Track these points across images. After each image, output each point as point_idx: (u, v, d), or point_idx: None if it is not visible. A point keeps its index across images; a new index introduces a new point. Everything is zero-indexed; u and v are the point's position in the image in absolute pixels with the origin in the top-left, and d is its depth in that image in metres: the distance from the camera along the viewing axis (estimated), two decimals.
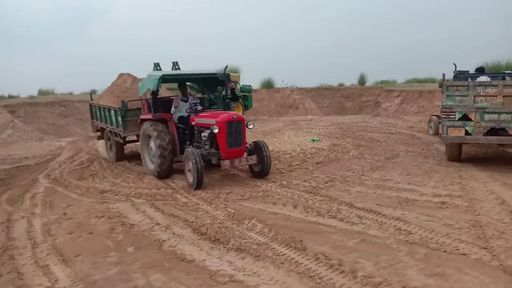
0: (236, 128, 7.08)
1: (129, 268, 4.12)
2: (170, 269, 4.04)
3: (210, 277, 3.79)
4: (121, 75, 11.27)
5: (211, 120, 7.15)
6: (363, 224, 4.97)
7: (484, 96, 7.61)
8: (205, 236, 4.82)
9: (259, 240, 4.59)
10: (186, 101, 8.34)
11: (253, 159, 7.32)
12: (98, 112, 10.80)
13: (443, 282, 3.53)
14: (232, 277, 3.74)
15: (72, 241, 4.96)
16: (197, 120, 7.71)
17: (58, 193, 7.35)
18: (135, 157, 10.12)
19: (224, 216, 5.53)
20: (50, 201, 6.82)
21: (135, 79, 10.81)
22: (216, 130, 6.89)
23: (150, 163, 8.30)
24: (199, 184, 6.80)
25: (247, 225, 5.14)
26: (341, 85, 25.66)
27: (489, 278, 3.54)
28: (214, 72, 8.49)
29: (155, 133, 7.64)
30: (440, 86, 8.00)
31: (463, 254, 4.02)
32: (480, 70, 10.39)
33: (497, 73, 11.04)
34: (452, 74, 10.44)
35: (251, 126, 7.60)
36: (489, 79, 9.13)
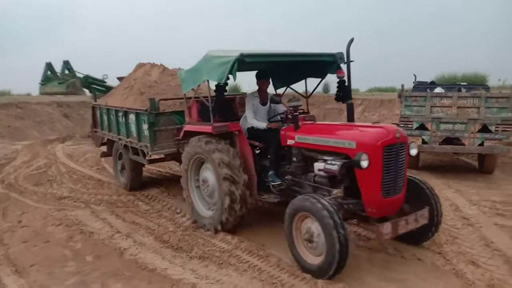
0: (398, 158, 3.88)
1: (88, 278, 4.00)
2: (130, 278, 3.96)
3: (172, 286, 3.74)
4: (140, 65, 8.26)
5: (346, 142, 3.95)
6: None
7: (440, 106, 7.97)
8: (168, 244, 4.76)
9: (223, 247, 4.58)
10: (264, 104, 5.43)
11: (425, 216, 4.05)
12: (106, 118, 7.70)
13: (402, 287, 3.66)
14: (195, 286, 3.71)
15: (27, 250, 4.75)
16: (299, 138, 4.52)
17: (13, 199, 7.01)
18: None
19: (188, 223, 5.47)
20: (3, 208, 6.50)
21: (164, 70, 7.89)
22: (365, 163, 3.67)
23: (205, 208, 5.29)
24: (338, 270, 3.58)
25: (212, 232, 5.06)
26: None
27: (442, 282, 3.69)
28: (327, 52, 4.99)
29: (218, 158, 4.67)
30: (399, 96, 8.28)
31: (418, 259, 4.17)
32: (432, 83, 10.94)
33: (453, 84, 11.60)
34: (412, 85, 10.87)
35: (414, 151, 4.10)
36: (443, 90, 9.57)
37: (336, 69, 5.02)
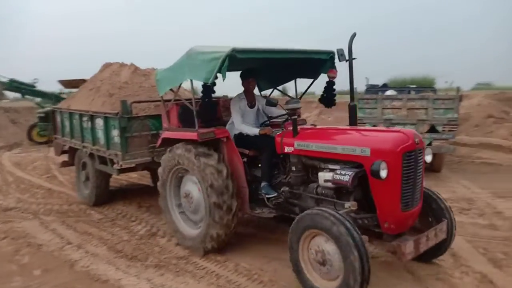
0: (417, 165, 3.44)
1: None
2: None
3: None
4: (107, 65, 7.42)
5: (358, 148, 3.47)
6: None
7: (391, 108, 8.28)
8: (122, 253, 4.61)
9: (180, 255, 4.49)
10: (252, 106, 4.93)
11: (443, 230, 3.69)
12: (68, 123, 6.91)
13: None
14: None
15: None
16: (298, 145, 4.01)
17: None
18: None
19: (144, 231, 5.33)
20: None
21: (136, 70, 7.10)
22: (384, 173, 3.21)
23: (189, 226, 4.69)
24: None
25: (168, 239, 5.00)
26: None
27: (395, 279, 3.80)
28: (325, 50, 4.58)
29: (205, 168, 4.13)
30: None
31: (373, 257, 4.26)
32: (384, 86, 11.34)
33: (403, 87, 12.07)
34: (365, 87, 11.22)
35: (430, 158, 3.71)
36: (395, 93, 9.94)
37: (328, 68, 4.60)
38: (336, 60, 4.42)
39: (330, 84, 4.72)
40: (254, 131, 4.56)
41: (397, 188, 3.30)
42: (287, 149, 4.12)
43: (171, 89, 4.80)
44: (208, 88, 4.18)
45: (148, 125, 5.64)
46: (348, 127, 4.16)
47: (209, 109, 4.78)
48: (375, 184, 3.33)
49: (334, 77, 4.62)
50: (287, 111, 4.24)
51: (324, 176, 3.64)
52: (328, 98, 4.81)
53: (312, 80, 5.00)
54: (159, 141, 4.92)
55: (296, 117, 4.15)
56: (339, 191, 3.66)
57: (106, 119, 5.65)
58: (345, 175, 3.34)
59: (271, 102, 4.48)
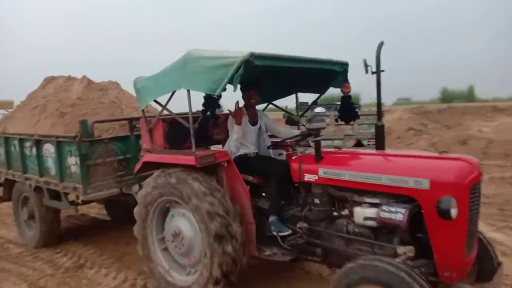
0: (477, 200, 2.86)
1: None
2: None
3: None
4: (49, 79, 6.27)
5: (412, 180, 2.80)
6: None
7: None
8: None
9: (110, 286, 4.26)
10: (254, 124, 4.20)
11: (503, 275, 3.18)
12: (3, 150, 5.77)
13: None
14: None
15: None
16: (325, 173, 3.32)
17: None
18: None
19: (69, 263, 4.95)
20: None
21: (90, 84, 5.94)
22: (455, 212, 2.58)
23: (178, 273, 3.80)
24: None
25: (97, 270, 4.71)
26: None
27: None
28: (338, 60, 3.98)
29: (203, 201, 3.35)
30: (284, 117, 8.77)
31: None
32: (314, 103, 11.79)
33: (330, 104, 12.68)
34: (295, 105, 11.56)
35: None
36: (324, 109, 10.41)
37: (342, 82, 4.07)
38: (351, 72, 4.04)
39: (346, 98, 4.18)
40: (236, 152, 3.93)
41: (463, 229, 2.68)
42: (309, 177, 3.41)
43: (156, 101, 4.01)
44: (212, 101, 3.49)
45: (113, 149, 4.75)
46: (388, 152, 3.53)
47: (205, 127, 4.12)
48: (437, 224, 2.68)
49: (348, 92, 4.13)
50: (309, 131, 3.50)
51: (363, 212, 2.99)
52: (348, 112, 4.24)
53: (318, 95, 4.57)
54: (138, 166, 4.08)
55: (320, 138, 3.45)
56: (378, 230, 3.00)
57: (59, 144, 4.72)
58: (397, 213, 2.74)
59: (292, 120, 3.92)
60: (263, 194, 3.81)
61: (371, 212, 2.94)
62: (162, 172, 3.68)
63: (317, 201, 3.37)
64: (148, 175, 3.96)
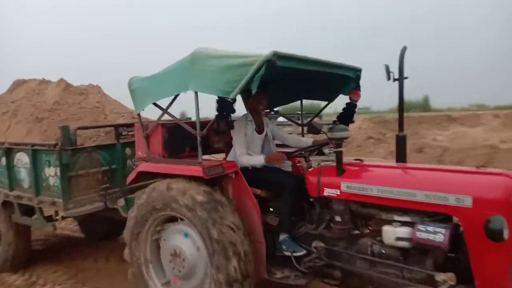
0: None
1: None
2: None
3: None
4: (19, 83, 5.80)
5: (452, 197, 2.52)
6: None
7: None
8: None
9: None
10: (261, 132, 3.79)
11: None
12: None
13: None
14: None
15: None
16: (349, 187, 3.01)
17: None
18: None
19: (20, 281, 4.53)
20: None
21: (68, 87, 5.53)
22: (507, 233, 2.30)
23: None
24: None
25: (50, 287, 4.41)
26: None
27: None
28: (351, 65, 3.62)
29: (209, 216, 2.94)
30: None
31: None
32: (276, 113, 12.34)
33: (292, 114, 13.26)
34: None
35: None
36: (285, 119, 10.92)
37: (352, 89, 3.76)
38: (362, 79, 3.79)
39: (351, 106, 3.88)
40: (258, 159, 3.46)
41: (509, 251, 2.41)
42: (329, 192, 3.08)
43: (155, 104, 3.53)
44: (227, 105, 3.17)
45: (98, 159, 4.25)
46: (418, 166, 3.26)
47: (207, 134, 3.55)
48: (482, 246, 2.40)
49: (357, 101, 3.81)
50: (330, 140, 3.17)
51: (395, 232, 2.68)
52: (347, 116, 3.91)
53: (327, 102, 4.26)
54: (132, 176, 3.62)
55: (342, 149, 3.10)
56: (408, 252, 2.71)
57: (35, 153, 4.22)
58: (437, 233, 2.45)
59: (315, 128, 3.30)
60: (271, 209, 3.46)
61: (404, 232, 2.64)
62: (161, 183, 3.26)
63: (338, 218, 3.03)
64: (139, 187, 3.64)
